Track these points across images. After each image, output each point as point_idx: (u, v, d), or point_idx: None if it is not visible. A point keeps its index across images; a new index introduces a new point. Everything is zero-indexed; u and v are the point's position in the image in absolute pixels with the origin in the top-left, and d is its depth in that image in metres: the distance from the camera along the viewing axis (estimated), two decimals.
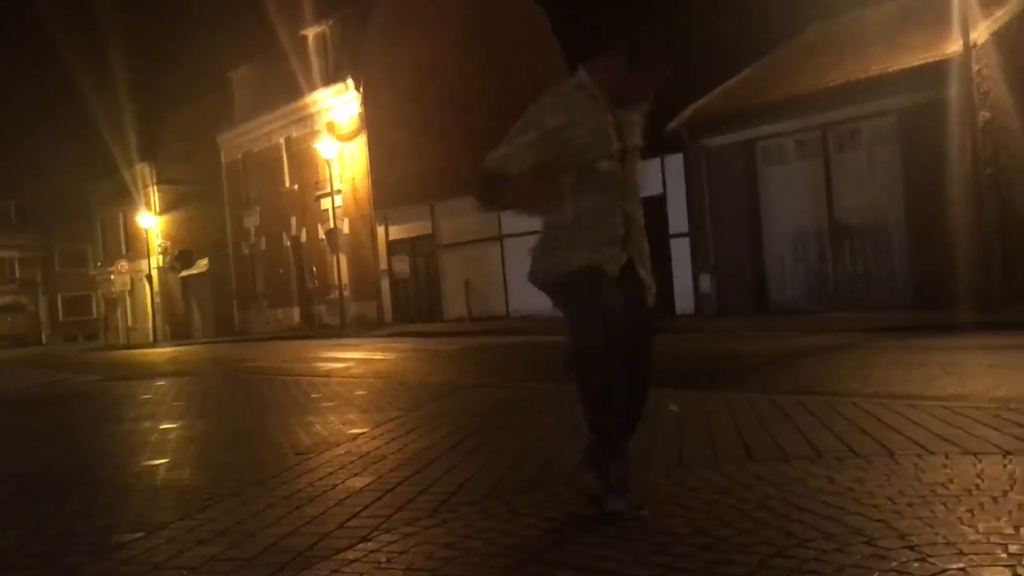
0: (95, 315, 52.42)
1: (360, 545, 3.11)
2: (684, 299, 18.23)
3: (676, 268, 18.37)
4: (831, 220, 16.24)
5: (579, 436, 4.23)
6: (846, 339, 11.49)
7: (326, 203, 28.40)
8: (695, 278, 18.02)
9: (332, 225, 27.81)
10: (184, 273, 39.52)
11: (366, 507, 3.66)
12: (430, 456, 4.69)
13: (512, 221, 22.31)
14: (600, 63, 3.20)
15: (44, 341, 52.06)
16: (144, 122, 39.54)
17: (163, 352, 25.73)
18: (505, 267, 22.71)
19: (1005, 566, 2.40)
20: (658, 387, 6.93)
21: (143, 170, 41.39)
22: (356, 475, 4.34)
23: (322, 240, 29.83)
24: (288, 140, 31.59)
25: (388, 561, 2.92)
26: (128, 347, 35.91)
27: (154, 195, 41.27)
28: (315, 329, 28.76)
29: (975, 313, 12.71)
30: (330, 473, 4.45)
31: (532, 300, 21.57)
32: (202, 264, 38.14)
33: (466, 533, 3.15)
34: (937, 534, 2.72)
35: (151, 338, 40.15)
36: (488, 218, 22.92)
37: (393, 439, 5.43)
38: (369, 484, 4.10)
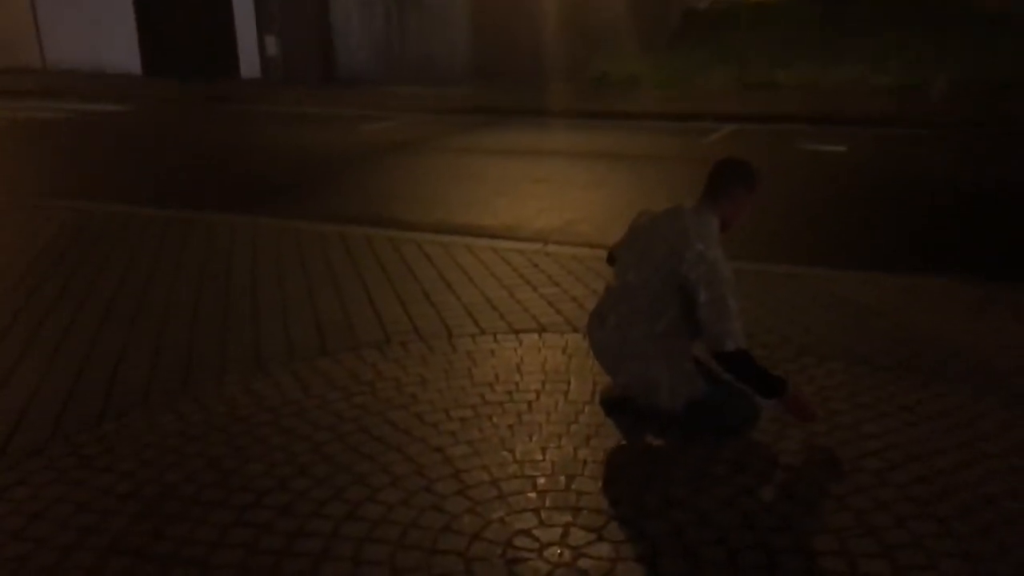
0: None
1: None
2: (249, 63, 17.39)
3: (240, 28, 17.31)
4: None
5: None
6: (410, 131, 11.89)
7: None
8: (260, 39, 17.16)
9: None
10: None
11: None
12: None
13: None
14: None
15: None
16: None
17: None
18: (36, 11, 19.65)
19: (532, 510, 2.89)
20: (216, 211, 6.86)
21: None
22: None
23: None
24: None
25: None
26: None
27: None
28: None
29: (535, 94, 13.83)
30: None
31: (75, 50, 19.24)
32: None
33: (37, 507, 2.99)
34: (484, 467, 3.16)
35: None
36: None
37: None
38: None
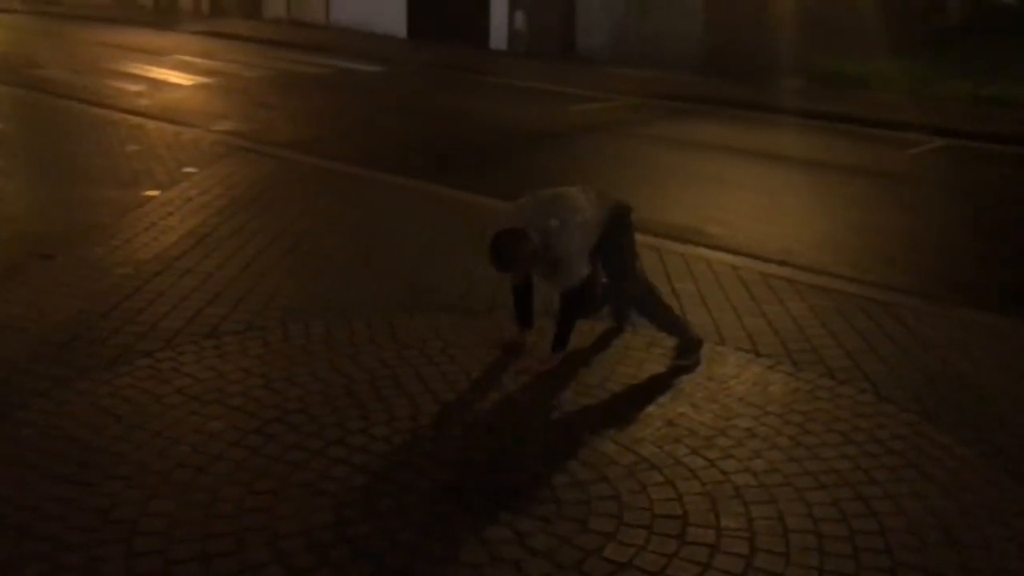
0: None
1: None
2: (499, 35, 18.48)
3: (494, 1, 18.42)
4: None
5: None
6: (614, 114, 12.34)
7: None
8: (510, 14, 18.17)
9: None
10: None
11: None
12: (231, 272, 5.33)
13: None
14: None
15: None
16: None
17: None
18: None
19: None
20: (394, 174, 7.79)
21: None
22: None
23: None
24: None
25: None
26: None
27: None
28: (128, 11, 27.16)
29: (757, 88, 13.84)
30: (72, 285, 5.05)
31: (354, 11, 21.23)
32: None
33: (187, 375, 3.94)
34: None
35: None
36: None
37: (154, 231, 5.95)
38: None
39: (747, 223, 7.17)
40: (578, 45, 17.60)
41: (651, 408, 3.92)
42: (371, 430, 3.66)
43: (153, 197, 7.02)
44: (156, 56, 16.74)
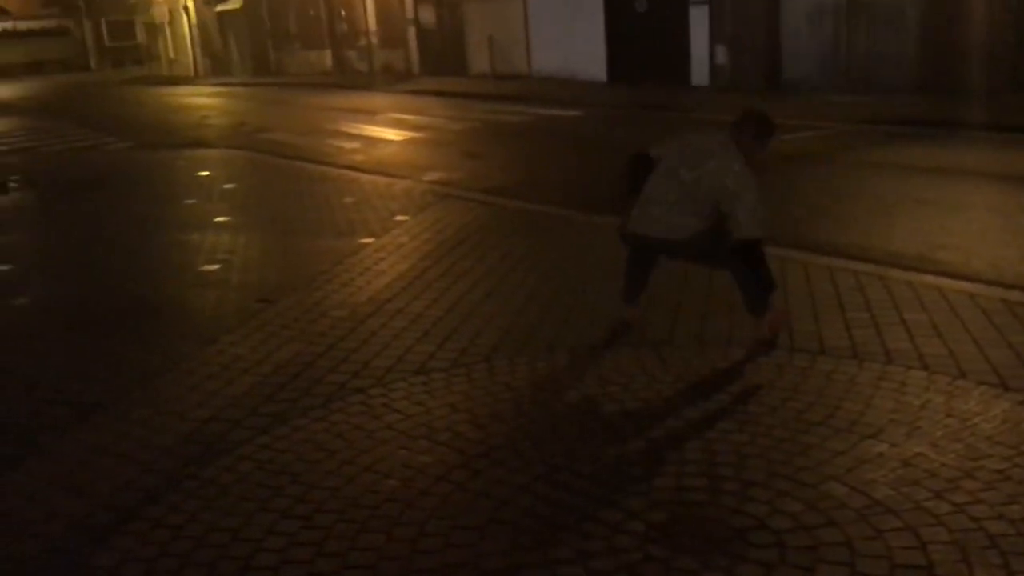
0: (138, 40, 52.55)
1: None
2: (700, 71, 18.16)
3: (694, 38, 18.16)
4: None
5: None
6: (827, 142, 11.73)
7: None
8: (711, 48, 17.85)
9: None
10: (219, 8, 39.20)
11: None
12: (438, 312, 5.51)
13: None
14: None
15: (93, 67, 52.74)
16: None
17: (199, 97, 26.29)
18: (528, 24, 22.41)
19: None
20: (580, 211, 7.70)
21: None
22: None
23: None
24: None
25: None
26: (171, 81, 36.91)
27: None
28: (345, 76, 29.09)
29: (979, 106, 12.82)
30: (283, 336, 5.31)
31: (555, 59, 21.63)
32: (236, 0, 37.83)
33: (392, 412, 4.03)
34: None
35: (192, 71, 41.10)
36: None
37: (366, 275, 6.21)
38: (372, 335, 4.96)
39: (982, 248, 6.54)
40: (784, 75, 16.99)
41: (883, 447, 3.56)
42: (576, 467, 3.53)
43: (367, 244, 7.31)
44: (370, 115, 17.72)
